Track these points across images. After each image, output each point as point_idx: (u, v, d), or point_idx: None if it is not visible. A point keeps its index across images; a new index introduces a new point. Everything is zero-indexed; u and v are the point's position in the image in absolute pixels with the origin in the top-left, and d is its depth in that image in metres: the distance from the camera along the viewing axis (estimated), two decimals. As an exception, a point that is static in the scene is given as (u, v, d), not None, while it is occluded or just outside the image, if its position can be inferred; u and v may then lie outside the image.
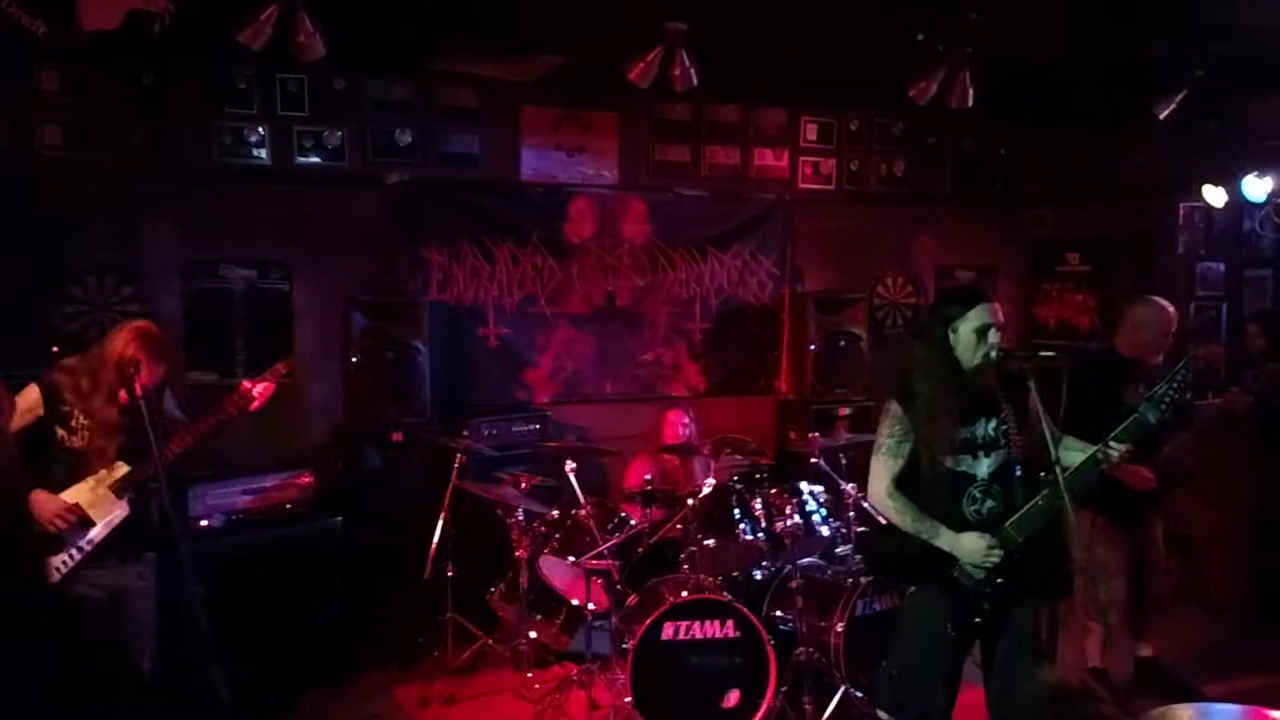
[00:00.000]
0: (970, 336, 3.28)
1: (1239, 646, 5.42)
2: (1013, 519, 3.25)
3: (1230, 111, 5.97)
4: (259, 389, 3.80)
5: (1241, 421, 5.06)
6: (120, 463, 3.62)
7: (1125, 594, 4.71)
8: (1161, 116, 5.74)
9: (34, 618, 3.30)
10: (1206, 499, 5.76)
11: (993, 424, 3.32)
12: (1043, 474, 3.22)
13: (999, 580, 3.24)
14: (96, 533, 3.57)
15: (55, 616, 3.42)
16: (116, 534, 3.61)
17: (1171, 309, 4.64)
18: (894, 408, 3.36)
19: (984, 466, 3.31)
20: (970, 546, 3.21)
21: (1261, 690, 4.49)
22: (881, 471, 3.37)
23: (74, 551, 3.54)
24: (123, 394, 3.52)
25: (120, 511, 3.61)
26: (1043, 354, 3.36)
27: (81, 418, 3.60)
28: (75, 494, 3.56)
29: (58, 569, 3.53)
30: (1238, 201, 6.14)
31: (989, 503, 3.29)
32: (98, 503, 3.58)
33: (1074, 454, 3.29)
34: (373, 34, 5.21)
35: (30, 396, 3.59)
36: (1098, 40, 5.26)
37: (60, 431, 3.59)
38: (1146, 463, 4.40)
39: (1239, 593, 5.86)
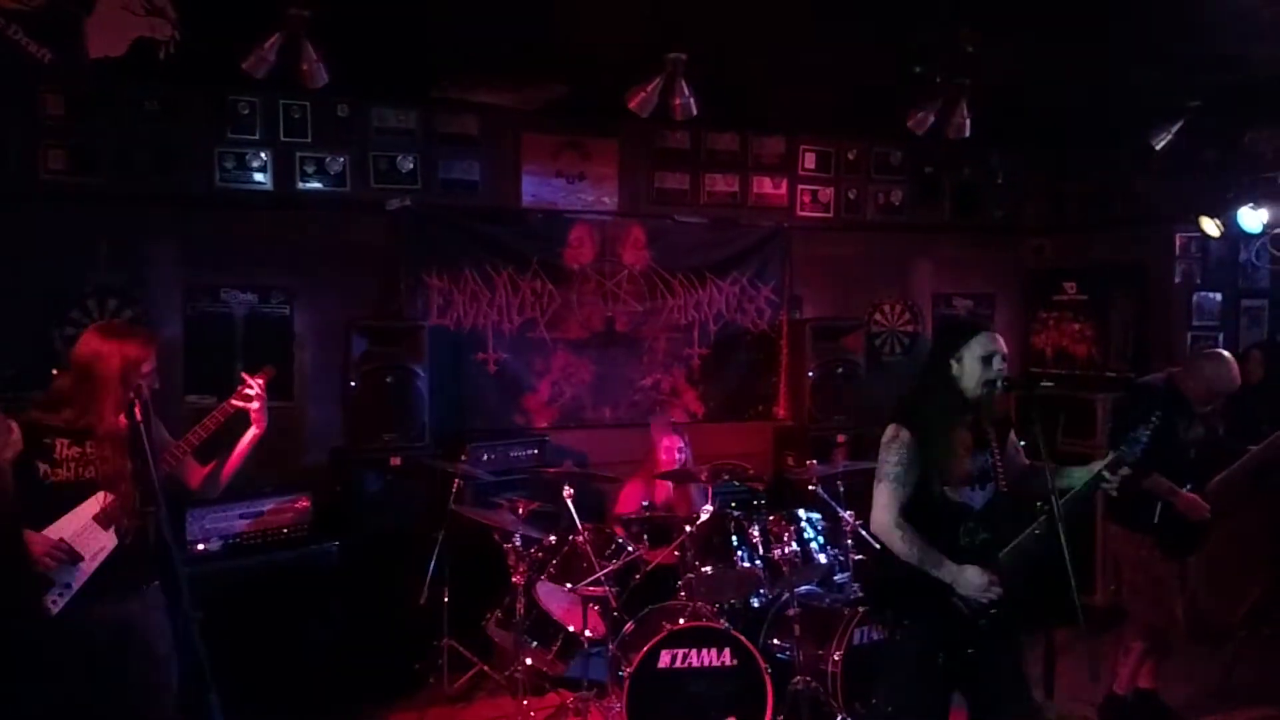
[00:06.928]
0: (975, 365, 3.29)
1: (1239, 678, 5.38)
2: (1006, 549, 3.26)
3: (1226, 143, 6.02)
4: (255, 383, 3.82)
5: None
6: (102, 493, 3.41)
7: (1180, 615, 4.74)
8: (1158, 147, 5.80)
9: (35, 655, 3.23)
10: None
11: (985, 456, 3.34)
12: (1039, 504, 3.23)
13: (993, 611, 3.24)
14: (85, 566, 3.37)
15: (58, 653, 3.34)
16: (110, 566, 3.42)
17: (1237, 369, 4.74)
18: (903, 435, 3.29)
19: (980, 498, 3.32)
20: (972, 581, 3.20)
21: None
22: (888, 500, 3.30)
23: (63, 590, 3.34)
24: (136, 407, 3.30)
25: (108, 543, 3.42)
26: (1043, 384, 3.38)
27: (66, 449, 3.40)
28: (59, 529, 3.35)
29: (48, 607, 3.33)
30: (1234, 232, 6.17)
31: (981, 534, 3.31)
32: (84, 536, 3.38)
33: (1074, 480, 3.31)
34: (376, 62, 5.26)
35: (10, 434, 3.34)
36: (1095, 71, 5.31)
37: (43, 466, 3.38)
38: (1200, 493, 4.54)
39: (1239, 625, 5.83)
